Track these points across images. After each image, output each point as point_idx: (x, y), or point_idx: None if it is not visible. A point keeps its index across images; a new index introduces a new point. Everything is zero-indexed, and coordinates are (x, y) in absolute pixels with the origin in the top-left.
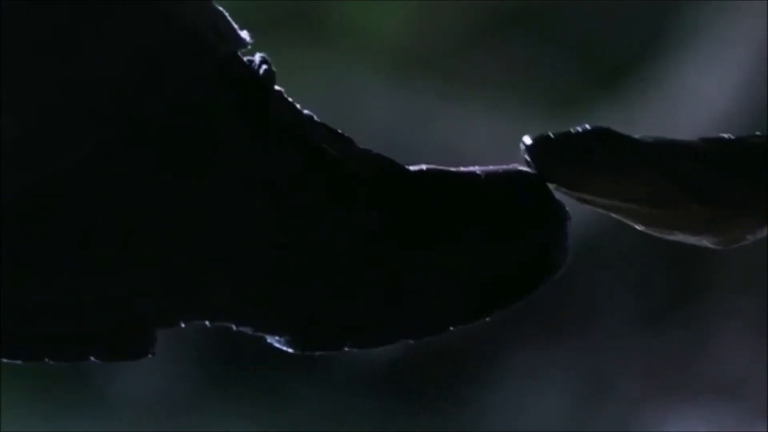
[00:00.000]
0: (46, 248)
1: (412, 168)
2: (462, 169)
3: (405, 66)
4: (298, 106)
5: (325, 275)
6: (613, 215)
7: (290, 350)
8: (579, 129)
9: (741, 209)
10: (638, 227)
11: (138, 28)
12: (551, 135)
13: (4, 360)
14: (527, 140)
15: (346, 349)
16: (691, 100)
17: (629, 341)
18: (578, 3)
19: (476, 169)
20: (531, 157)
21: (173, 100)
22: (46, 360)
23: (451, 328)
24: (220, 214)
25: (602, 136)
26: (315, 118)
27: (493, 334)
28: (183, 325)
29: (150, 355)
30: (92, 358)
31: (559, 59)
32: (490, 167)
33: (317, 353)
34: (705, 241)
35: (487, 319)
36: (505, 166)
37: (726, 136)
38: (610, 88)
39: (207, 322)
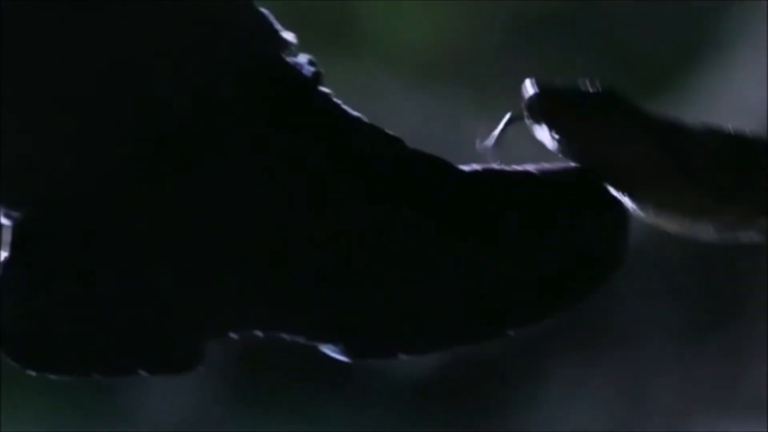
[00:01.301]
0: (86, 260)
1: (465, 168)
2: (516, 167)
3: (435, 74)
4: (346, 108)
5: (377, 279)
6: (606, 182)
7: (345, 359)
8: (588, 84)
9: (732, 200)
10: (630, 203)
11: (169, 31)
12: (558, 83)
13: (51, 376)
14: (529, 83)
15: (402, 356)
16: (733, 108)
17: (671, 356)
18: (616, 7)
19: (531, 167)
20: (534, 103)
21: (211, 105)
22: (94, 375)
23: (510, 333)
24: (265, 220)
25: (612, 96)
26: (364, 119)
27: (532, 348)
28: (234, 336)
29: (200, 368)
30: (141, 372)
31: (595, 66)
32: (545, 165)
33: (372, 361)
34: (699, 229)
35: (546, 321)
36: (561, 164)
37: (728, 129)
38: (649, 95)
39: (259, 333)
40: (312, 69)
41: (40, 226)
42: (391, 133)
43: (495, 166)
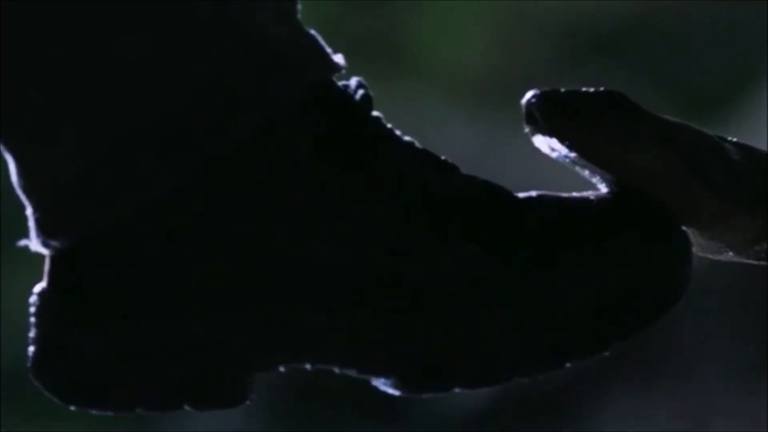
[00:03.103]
0: (131, 289)
1: (520, 195)
2: (574, 194)
3: (485, 96)
4: (398, 132)
5: (431, 310)
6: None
7: (397, 392)
8: (591, 89)
9: (748, 208)
10: None
11: (218, 54)
12: (561, 90)
13: (93, 412)
14: (532, 92)
15: (456, 390)
16: None
17: (730, 387)
18: (667, 31)
19: (589, 194)
20: (537, 111)
21: (260, 129)
22: (138, 410)
23: (568, 364)
24: (314, 250)
25: (617, 100)
26: (416, 144)
27: (590, 376)
28: (282, 369)
29: (248, 402)
30: (186, 407)
31: (646, 89)
32: (603, 192)
33: (425, 395)
34: (706, 239)
35: (606, 353)
36: (620, 192)
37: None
38: (701, 120)
39: (308, 365)
40: (363, 92)
41: (79, 256)
42: (445, 159)
43: (551, 192)
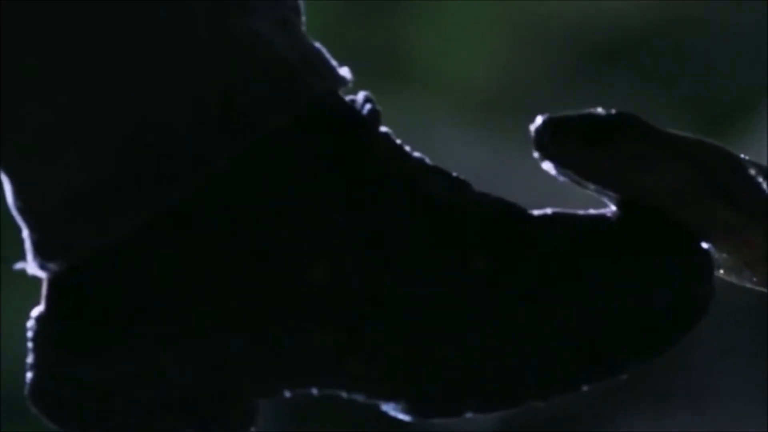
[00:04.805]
0: (131, 310)
1: (535, 212)
2: (591, 211)
3: (490, 109)
4: (407, 148)
5: (440, 331)
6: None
7: (407, 418)
8: (602, 111)
9: (764, 221)
10: None
11: (219, 68)
12: (569, 115)
13: None
14: (540, 117)
15: (468, 415)
16: None
17: (746, 411)
18: (681, 42)
19: (605, 211)
20: (546, 137)
21: (261, 144)
22: None
23: (585, 387)
24: (320, 271)
25: (629, 120)
26: (427, 161)
27: (605, 394)
28: (288, 395)
29: (252, 429)
30: None
31: (659, 102)
32: (618, 209)
33: (436, 420)
34: (722, 254)
35: (624, 376)
36: (637, 209)
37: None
38: (713, 132)
39: (314, 390)
40: (370, 107)
41: (77, 279)
42: (457, 175)
43: (566, 210)
